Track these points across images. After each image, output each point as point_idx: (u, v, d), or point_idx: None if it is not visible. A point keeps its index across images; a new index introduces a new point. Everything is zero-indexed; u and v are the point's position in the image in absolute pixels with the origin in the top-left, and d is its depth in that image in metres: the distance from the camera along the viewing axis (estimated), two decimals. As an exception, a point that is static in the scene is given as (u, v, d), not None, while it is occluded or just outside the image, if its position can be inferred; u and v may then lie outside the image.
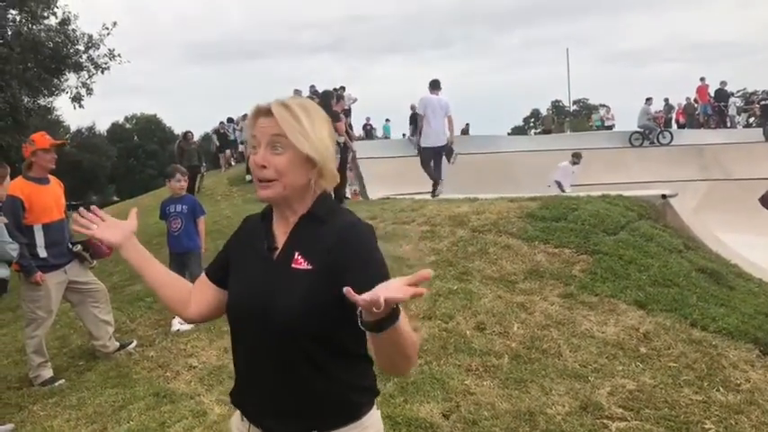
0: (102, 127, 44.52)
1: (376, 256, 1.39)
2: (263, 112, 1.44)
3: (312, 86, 18.12)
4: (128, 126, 45.71)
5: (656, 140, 20.08)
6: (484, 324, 4.69)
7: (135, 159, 41.68)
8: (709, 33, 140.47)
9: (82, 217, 1.61)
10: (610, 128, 26.73)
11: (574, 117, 53.43)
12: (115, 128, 44.45)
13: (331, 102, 8.97)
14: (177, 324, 5.25)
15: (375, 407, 1.51)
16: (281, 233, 1.49)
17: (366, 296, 1.07)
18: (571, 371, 4.07)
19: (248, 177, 14.63)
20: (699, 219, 7.48)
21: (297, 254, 1.42)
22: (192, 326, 5.25)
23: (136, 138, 43.76)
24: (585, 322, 4.72)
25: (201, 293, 1.60)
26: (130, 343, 5.02)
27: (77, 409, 4.07)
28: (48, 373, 4.57)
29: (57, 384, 4.51)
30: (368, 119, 26.91)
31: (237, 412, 1.55)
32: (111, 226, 1.63)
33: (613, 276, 5.40)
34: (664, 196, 7.11)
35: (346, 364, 1.43)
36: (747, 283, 5.89)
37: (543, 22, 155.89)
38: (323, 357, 1.39)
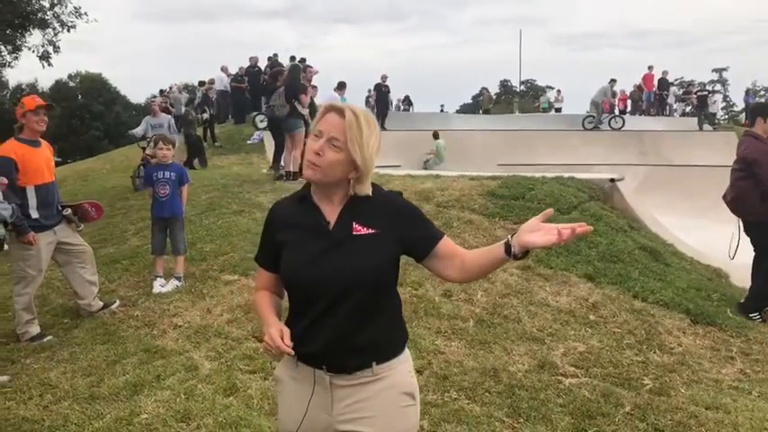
0: (45, 84, 42.49)
1: (423, 215, 1.83)
2: (336, 110, 1.73)
3: (275, 55, 18.03)
4: (72, 84, 43.79)
5: (608, 124, 20.61)
6: (451, 292, 5.11)
7: (79, 120, 40.08)
8: (653, 21, 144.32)
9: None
10: (559, 110, 27.55)
11: (521, 98, 54.42)
12: (59, 86, 42.49)
13: (299, 74, 9.16)
14: (158, 286, 5.45)
15: (407, 347, 1.84)
16: (329, 211, 1.75)
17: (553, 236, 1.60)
18: (529, 334, 4.54)
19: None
20: (639, 201, 8.07)
21: (354, 223, 1.73)
22: (172, 287, 5.48)
23: (80, 97, 42.00)
24: (541, 292, 5.20)
25: (278, 286, 1.86)
26: (114, 302, 5.19)
27: (71, 362, 4.26)
28: (35, 329, 4.71)
29: (45, 340, 4.65)
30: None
31: (288, 362, 1.81)
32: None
33: (566, 252, 5.90)
34: (612, 180, 7.66)
35: (395, 304, 1.83)
36: (681, 261, 6.52)
37: (497, 2, 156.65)
38: (383, 299, 1.75)
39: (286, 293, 1.85)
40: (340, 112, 1.70)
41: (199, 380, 3.89)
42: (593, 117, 20.80)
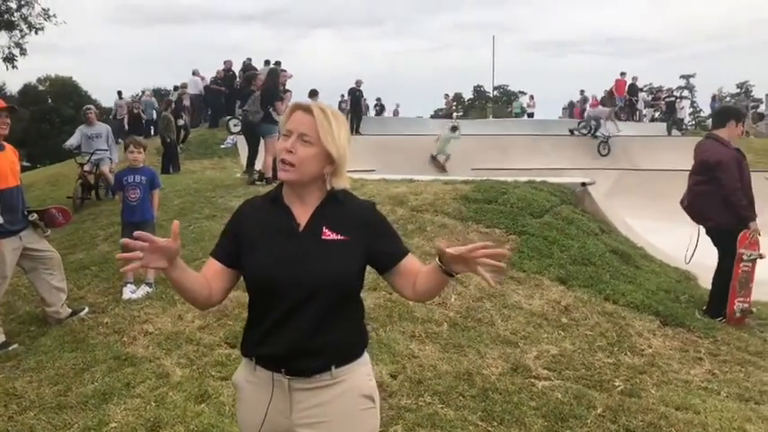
0: (14, 88, 41.58)
1: (391, 228, 1.87)
2: (302, 108, 1.75)
3: (248, 59, 17.93)
4: (41, 88, 42.92)
5: (596, 133, 20.01)
6: (424, 296, 5.10)
7: (48, 124, 39.29)
8: (623, 29, 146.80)
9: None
10: (531, 115, 27.87)
11: (495, 103, 54.89)
12: (27, 89, 41.62)
13: (277, 79, 9.12)
14: (128, 293, 5.36)
15: (366, 352, 1.85)
16: (301, 213, 1.75)
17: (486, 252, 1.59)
18: (503, 338, 4.57)
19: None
20: (610, 204, 8.19)
21: (324, 228, 1.74)
22: (142, 294, 5.39)
23: (50, 101, 41.20)
24: (515, 295, 5.24)
25: (218, 281, 1.77)
26: (82, 309, 5.09)
27: (37, 371, 4.16)
28: (0, 337, 4.60)
29: (11, 348, 4.54)
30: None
31: (246, 366, 1.80)
32: (156, 250, 1.57)
33: (539, 255, 5.95)
34: (583, 184, 7.76)
35: (357, 310, 1.83)
36: (651, 264, 6.62)
37: (471, 8, 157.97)
38: (346, 305, 1.76)
39: (215, 296, 1.78)
40: (306, 109, 1.74)
41: (170, 387, 3.83)
42: (586, 123, 20.38)
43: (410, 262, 1.80)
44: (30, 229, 4.72)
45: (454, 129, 17.54)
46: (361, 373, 1.79)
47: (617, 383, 3.99)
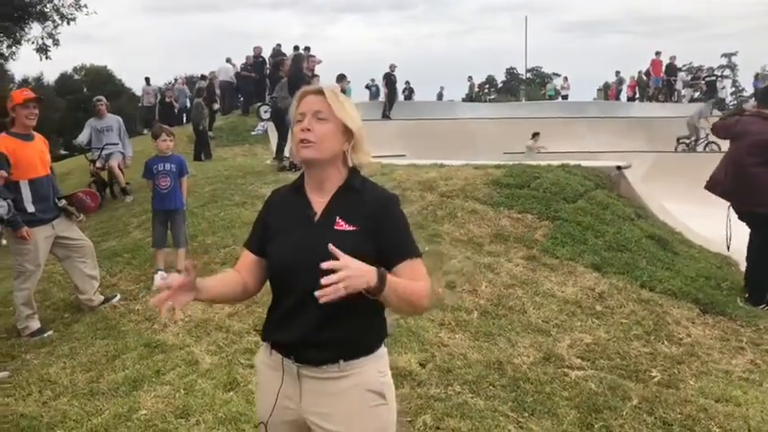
0: (51, 77, 42.44)
1: (406, 224, 1.79)
2: (312, 91, 1.77)
3: (278, 45, 17.93)
4: (77, 77, 43.73)
5: (703, 149, 17.16)
6: (454, 283, 5.04)
7: (85, 113, 40.01)
8: (659, 7, 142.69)
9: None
10: (565, 97, 27.34)
11: (528, 85, 54.07)
12: (64, 79, 42.44)
13: (302, 64, 9.09)
14: (160, 280, 5.40)
15: (383, 346, 1.81)
16: (318, 201, 1.76)
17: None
18: (535, 326, 4.47)
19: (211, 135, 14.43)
20: (647, 188, 7.95)
21: (338, 218, 1.72)
22: (173, 281, 5.42)
23: (85, 89, 41.93)
24: (547, 282, 5.12)
25: (253, 273, 1.84)
26: (114, 297, 5.15)
27: (71, 357, 4.23)
28: (36, 324, 4.69)
29: (46, 335, 4.63)
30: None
31: (264, 350, 1.83)
32: (179, 289, 1.62)
33: (572, 241, 5.81)
34: (618, 167, 7.54)
35: (370, 304, 1.72)
36: (689, 250, 6.41)
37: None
38: (354, 299, 1.66)
39: (251, 287, 1.86)
40: (315, 91, 1.77)
41: (199, 374, 3.85)
42: (687, 139, 17.91)
43: (410, 267, 1.70)
44: (62, 217, 4.77)
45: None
46: (373, 369, 1.75)
47: (654, 374, 3.87)
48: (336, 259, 1.50)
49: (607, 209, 6.53)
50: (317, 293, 1.48)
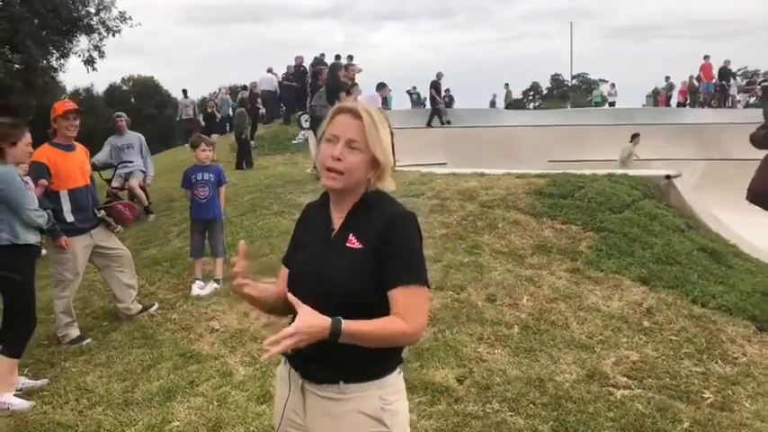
0: (100, 89, 43.93)
1: (414, 247, 1.66)
2: (347, 111, 1.69)
3: (321, 55, 18.06)
4: (125, 88, 45.15)
5: None
6: (494, 296, 4.89)
7: (132, 122, 41.16)
8: (710, 10, 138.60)
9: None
10: (612, 104, 26.76)
11: (573, 92, 53.22)
12: (113, 89, 43.88)
13: (339, 73, 9.11)
14: (197, 289, 5.42)
15: (398, 372, 1.72)
16: (337, 217, 1.74)
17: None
18: (578, 342, 4.28)
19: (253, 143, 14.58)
20: (698, 198, 7.64)
21: (351, 235, 1.67)
22: (210, 290, 5.44)
23: (133, 100, 43.24)
24: (591, 296, 4.92)
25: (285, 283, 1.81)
26: (152, 306, 5.19)
27: (107, 366, 4.26)
28: (75, 332, 4.75)
29: (84, 343, 4.68)
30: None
31: (283, 360, 1.79)
32: (260, 296, 1.78)
33: (618, 253, 5.59)
34: (668, 176, 7.26)
35: None
36: (745, 263, 6.09)
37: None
38: (362, 319, 1.60)
39: None
40: (353, 112, 1.69)
41: (232, 386, 3.82)
42: None
43: (395, 298, 1.59)
44: (100, 227, 4.83)
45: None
46: (374, 396, 1.67)
47: (706, 395, 3.66)
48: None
49: (655, 219, 6.27)
50: (263, 358, 1.53)
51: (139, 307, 5.11)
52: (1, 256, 3.82)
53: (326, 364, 1.63)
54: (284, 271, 1.84)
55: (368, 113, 1.66)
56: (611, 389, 3.70)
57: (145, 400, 3.73)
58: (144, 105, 42.31)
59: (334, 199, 1.75)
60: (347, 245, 1.66)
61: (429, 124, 19.06)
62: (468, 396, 3.59)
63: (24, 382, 4.07)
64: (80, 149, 4.80)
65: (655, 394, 3.63)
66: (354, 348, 1.58)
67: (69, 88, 37.22)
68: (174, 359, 4.25)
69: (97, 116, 40.85)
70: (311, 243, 1.76)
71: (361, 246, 1.64)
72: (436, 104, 19.44)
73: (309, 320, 1.48)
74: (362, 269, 1.62)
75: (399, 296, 1.58)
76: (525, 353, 4.13)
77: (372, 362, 1.66)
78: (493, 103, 29.24)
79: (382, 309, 1.60)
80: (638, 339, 4.35)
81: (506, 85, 30.04)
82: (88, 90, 41.33)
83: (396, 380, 1.72)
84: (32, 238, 3.99)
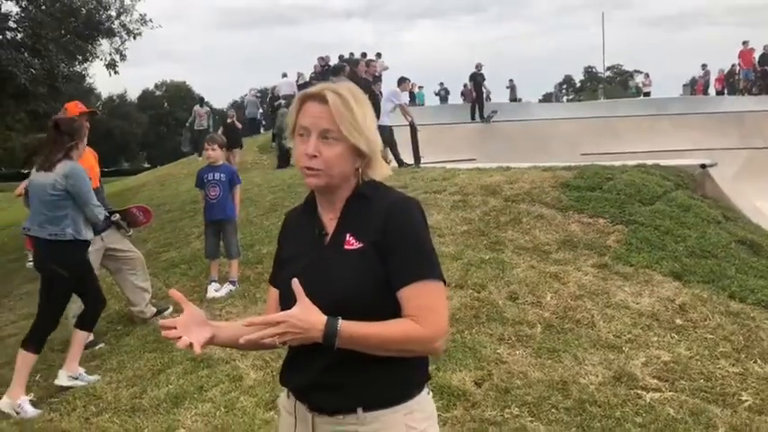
0: (133, 94, 44.81)
1: (421, 237, 1.44)
2: (313, 97, 1.45)
3: (351, 54, 18.04)
4: (158, 93, 45.95)
5: None
6: (516, 294, 4.68)
7: (165, 127, 41.90)
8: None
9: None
10: (647, 94, 26.10)
11: (608, 83, 52.21)
12: (146, 95, 44.71)
13: (358, 68, 9.01)
14: (213, 291, 5.35)
15: (426, 391, 1.50)
16: (328, 219, 1.50)
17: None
18: (605, 341, 4.06)
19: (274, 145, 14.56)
20: (738, 188, 7.30)
21: (348, 235, 1.45)
22: (226, 292, 5.35)
23: (166, 105, 43.99)
24: (620, 293, 4.68)
25: (278, 310, 1.53)
26: (167, 308, 5.14)
27: (117, 372, 4.22)
28: (88, 337, 4.71)
29: (97, 348, 4.67)
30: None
31: (285, 391, 1.59)
32: (192, 326, 1.48)
33: (649, 247, 5.33)
34: (703, 166, 6.94)
35: None
36: (788, 255, 5.76)
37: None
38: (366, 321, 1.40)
39: None
40: (319, 97, 1.44)
41: (241, 391, 3.72)
42: None
43: (407, 297, 1.39)
44: (112, 229, 4.78)
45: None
46: (399, 423, 1.43)
47: (744, 398, 3.42)
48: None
49: (689, 211, 5.98)
50: (240, 340, 1.31)
51: (154, 310, 5.07)
52: (65, 250, 3.92)
53: (339, 390, 1.42)
54: (273, 293, 1.60)
55: (336, 94, 1.43)
56: (639, 392, 3.48)
57: (152, 407, 3.66)
58: (176, 110, 43.08)
59: (322, 199, 1.52)
60: (345, 247, 1.44)
61: (473, 118, 18.73)
62: (487, 400, 3.43)
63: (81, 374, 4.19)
64: (89, 152, 4.78)
65: (687, 397, 3.41)
66: (374, 366, 1.39)
67: (104, 95, 38.19)
68: (185, 364, 4.17)
69: (131, 121, 41.81)
70: (301, 254, 1.51)
71: (360, 244, 1.43)
72: (477, 97, 19.03)
73: (305, 314, 1.30)
74: (368, 271, 1.40)
75: (410, 296, 1.38)
76: (548, 354, 3.92)
77: (395, 382, 1.43)
78: (512, 89, 28.44)
79: (392, 314, 1.40)
80: (669, 338, 4.10)
81: (510, 80, 28.95)
82: (121, 96, 42.22)
83: (424, 402, 1.49)
84: (89, 235, 4.10)
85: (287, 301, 1.43)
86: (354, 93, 1.47)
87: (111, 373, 4.18)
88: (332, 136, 1.42)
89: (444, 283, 1.44)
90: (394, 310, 1.40)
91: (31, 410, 3.81)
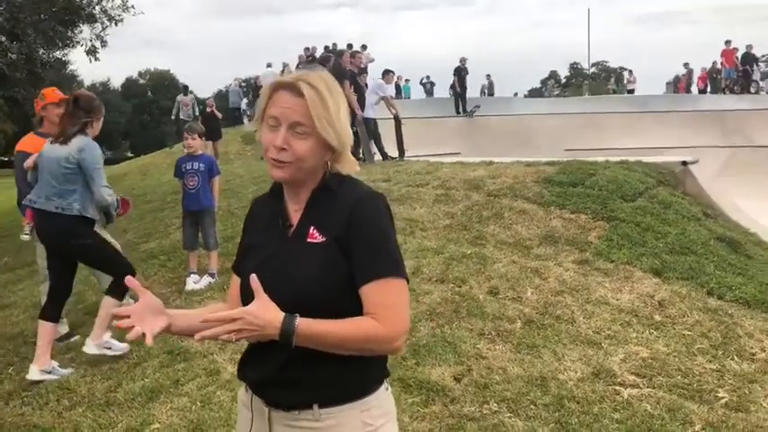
0: (117, 82, 44.21)
1: (384, 234, 1.41)
2: (287, 87, 1.41)
3: (334, 45, 17.95)
4: (141, 81, 45.40)
5: None
6: (497, 289, 4.67)
7: (149, 115, 41.44)
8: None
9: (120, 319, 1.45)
10: (631, 91, 26.28)
11: (592, 80, 52.45)
12: (129, 83, 44.15)
13: (342, 59, 8.96)
14: (192, 283, 5.28)
15: (384, 387, 1.49)
16: (293, 210, 1.48)
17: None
18: (584, 337, 4.06)
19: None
20: (719, 186, 7.36)
21: (312, 228, 1.43)
22: (205, 284, 5.29)
23: (150, 93, 43.46)
24: (600, 289, 4.69)
25: (239, 299, 1.53)
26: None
27: (93, 365, 4.13)
28: (64, 328, 4.64)
29: (72, 340, 4.58)
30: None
31: (243, 384, 1.56)
32: (148, 315, 1.41)
33: (630, 243, 5.35)
34: (684, 163, 6.98)
35: None
36: (766, 252, 5.81)
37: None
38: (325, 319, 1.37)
39: None
40: (293, 88, 1.40)
41: (218, 386, 3.67)
42: None
43: (368, 294, 1.36)
44: None
45: None
46: (355, 419, 1.41)
47: (721, 394, 3.42)
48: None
49: (670, 208, 6.01)
50: (195, 336, 1.27)
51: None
52: (71, 225, 3.89)
53: (297, 386, 1.40)
54: (236, 281, 1.58)
55: (312, 88, 1.38)
56: (617, 387, 3.48)
57: (127, 401, 3.59)
58: (160, 98, 42.62)
59: (288, 190, 1.49)
60: (308, 240, 1.41)
61: (457, 112, 18.74)
62: (465, 396, 3.40)
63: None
64: None
65: (665, 394, 3.41)
66: (332, 362, 1.37)
67: (87, 82, 37.60)
68: (162, 357, 4.10)
69: (114, 109, 41.30)
70: (264, 244, 1.49)
71: (324, 238, 1.40)
72: (458, 92, 19.02)
73: (262, 311, 1.27)
74: (330, 266, 1.37)
75: (371, 292, 1.35)
76: (528, 349, 3.91)
77: (352, 378, 1.42)
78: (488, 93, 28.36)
79: (352, 311, 1.37)
80: (648, 334, 4.11)
81: (488, 75, 28.83)
82: (105, 84, 41.64)
83: (382, 398, 1.47)
84: (95, 215, 4.05)
85: (247, 293, 1.42)
86: (328, 84, 1.43)
87: (86, 366, 4.10)
88: (302, 130, 1.39)
89: (407, 281, 1.42)
90: (358, 308, 1.37)
91: (62, 371, 3.98)
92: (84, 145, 3.85)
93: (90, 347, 4.08)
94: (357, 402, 1.41)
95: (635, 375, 3.62)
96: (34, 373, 3.94)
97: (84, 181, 3.88)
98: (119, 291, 4.10)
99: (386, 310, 1.34)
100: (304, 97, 1.37)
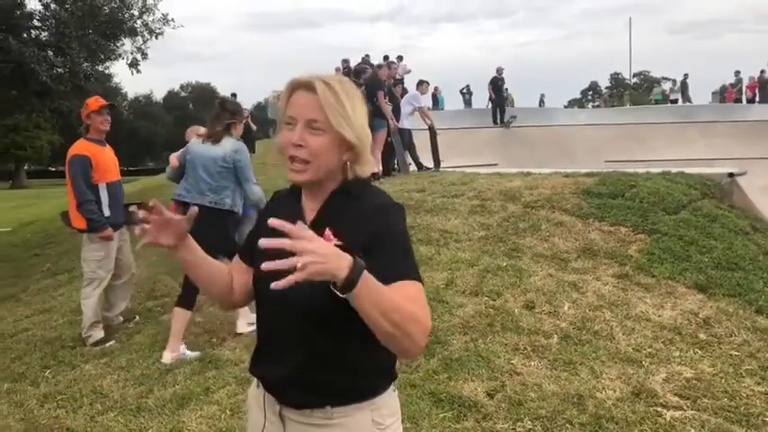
0: (159, 95, 45.26)
1: (404, 243, 1.41)
2: (302, 86, 1.41)
3: (366, 56, 17.96)
4: (183, 94, 46.39)
5: None
6: (533, 302, 4.55)
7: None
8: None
9: (137, 215, 1.48)
10: (675, 101, 25.68)
11: (634, 90, 51.50)
12: (171, 96, 45.13)
13: (379, 71, 8.98)
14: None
15: (392, 389, 1.51)
16: (310, 209, 1.48)
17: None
18: (624, 354, 3.91)
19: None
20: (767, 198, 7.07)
21: (327, 230, 1.39)
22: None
23: (191, 106, 44.33)
24: (641, 304, 4.52)
25: (240, 277, 1.58)
26: (134, 318, 5.21)
27: (126, 370, 4.17)
28: (100, 333, 4.71)
29: (108, 345, 4.64)
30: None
31: (255, 380, 1.59)
32: (165, 226, 1.44)
33: (672, 257, 5.16)
34: (731, 174, 6.72)
35: (364, 343, 1.37)
36: (818, 269, 5.53)
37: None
38: (342, 333, 1.38)
39: (237, 294, 1.61)
40: (308, 87, 1.40)
41: (248, 394, 3.63)
42: None
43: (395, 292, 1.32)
44: (123, 228, 4.81)
45: None
46: (365, 419, 1.43)
47: (770, 419, 3.23)
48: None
49: (716, 221, 5.79)
50: (272, 285, 1.13)
51: (121, 319, 5.14)
52: (220, 217, 4.18)
53: (311, 386, 1.42)
54: (238, 261, 1.59)
55: (325, 85, 1.39)
56: (659, 409, 3.32)
57: (157, 407, 3.60)
58: (201, 111, 43.46)
59: (306, 189, 1.49)
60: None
61: (495, 122, 18.65)
62: (498, 412, 3.30)
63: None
64: (108, 147, 4.88)
65: (710, 417, 3.24)
66: (343, 365, 1.40)
67: (130, 95, 38.60)
68: (193, 364, 4.12)
69: (156, 121, 42.17)
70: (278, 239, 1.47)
71: (339, 242, 1.35)
72: (495, 102, 18.90)
73: (326, 243, 1.18)
74: None
75: (395, 289, 1.30)
76: (564, 366, 3.78)
77: (364, 379, 1.44)
78: (541, 102, 28.38)
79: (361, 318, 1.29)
80: (692, 354, 3.93)
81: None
82: (147, 96, 42.68)
83: (390, 399, 1.50)
84: (241, 210, 4.43)
85: (256, 290, 1.50)
86: (344, 84, 1.43)
87: (119, 371, 4.13)
88: (318, 126, 1.38)
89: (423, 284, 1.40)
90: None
91: (191, 354, 4.23)
92: (239, 147, 4.21)
93: (167, 358, 4.22)
94: (367, 402, 1.44)
95: (678, 396, 3.45)
96: (166, 357, 4.19)
97: (236, 178, 4.20)
98: (188, 301, 4.32)
99: (414, 303, 1.30)
100: (317, 93, 1.38)
